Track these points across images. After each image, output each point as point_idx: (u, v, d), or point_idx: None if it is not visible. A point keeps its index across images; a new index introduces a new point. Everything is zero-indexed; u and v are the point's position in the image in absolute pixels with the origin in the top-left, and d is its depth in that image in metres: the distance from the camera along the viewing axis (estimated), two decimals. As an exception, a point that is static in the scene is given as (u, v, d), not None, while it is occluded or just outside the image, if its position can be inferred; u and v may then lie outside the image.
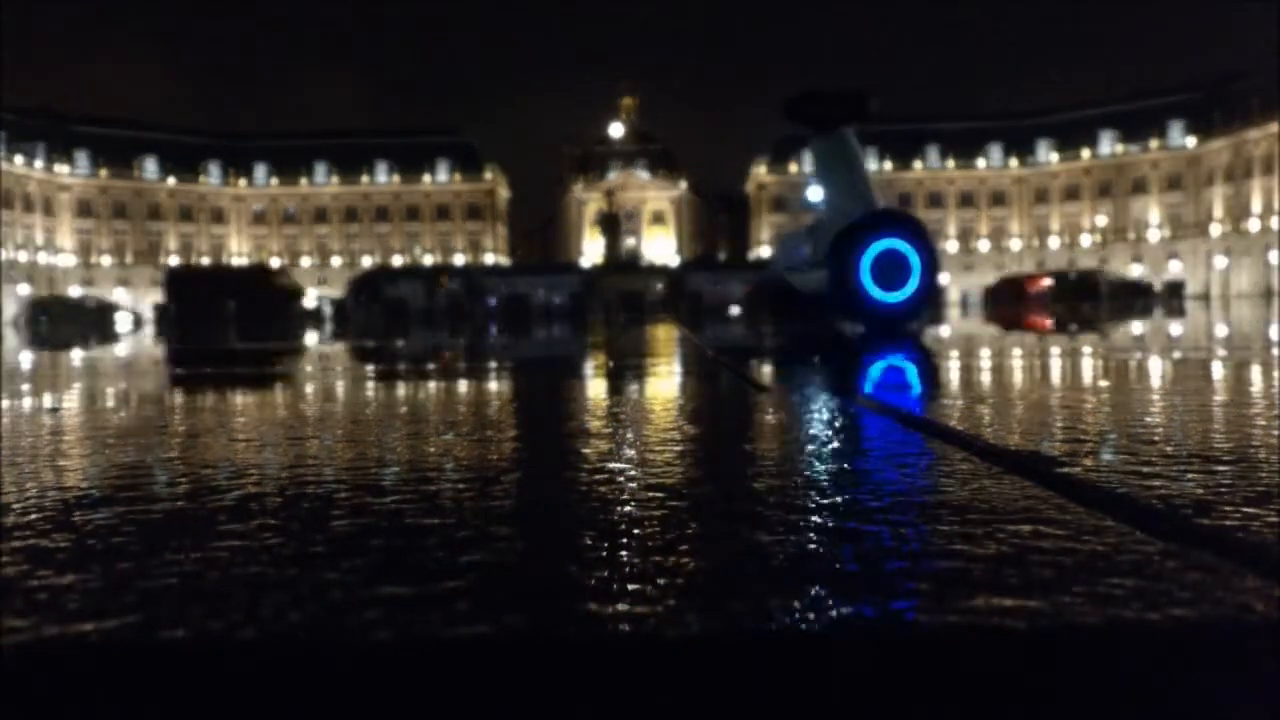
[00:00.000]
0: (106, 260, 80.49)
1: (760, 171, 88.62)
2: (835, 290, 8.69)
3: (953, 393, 3.29)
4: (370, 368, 5.64)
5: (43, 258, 75.74)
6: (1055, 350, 5.94)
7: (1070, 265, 68.65)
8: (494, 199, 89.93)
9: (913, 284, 8.60)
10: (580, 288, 58.80)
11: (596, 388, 3.80)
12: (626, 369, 4.75)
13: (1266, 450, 1.73)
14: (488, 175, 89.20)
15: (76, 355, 8.36)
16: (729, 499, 1.38)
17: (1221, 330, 8.71)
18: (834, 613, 0.86)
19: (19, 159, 73.76)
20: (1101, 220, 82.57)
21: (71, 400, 3.47)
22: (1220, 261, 72.68)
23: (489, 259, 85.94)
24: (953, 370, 4.40)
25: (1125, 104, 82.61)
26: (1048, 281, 46.10)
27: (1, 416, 2.82)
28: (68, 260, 78.34)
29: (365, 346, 8.97)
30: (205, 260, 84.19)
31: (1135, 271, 61.75)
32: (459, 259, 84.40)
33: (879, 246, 8.61)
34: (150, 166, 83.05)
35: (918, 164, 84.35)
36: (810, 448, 1.89)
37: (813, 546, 1.09)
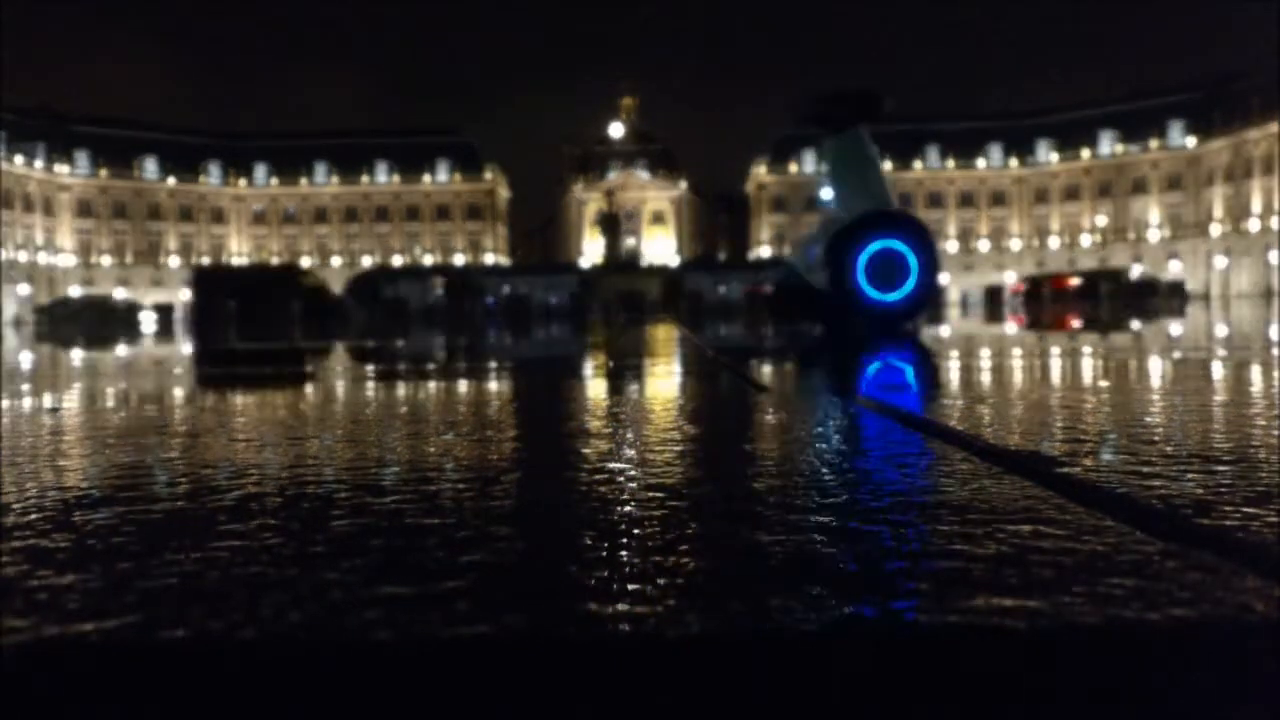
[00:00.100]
0: (106, 260, 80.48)
1: (760, 171, 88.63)
2: (832, 290, 8.70)
3: (954, 392, 3.29)
4: (375, 368, 5.64)
5: (43, 258, 75.74)
6: (1070, 350, 5.94)
7: (1103, 263, 68.52)
8: (494, 199, 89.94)
9: (910, 284, 8.59)
10: (579, 288, 58.79)
11: (595, 388, 3.80)
12: (626, 369, 4.75)
13: (1266, 450, 1.73)
14: (488, 175, 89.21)
15: (112, 355, 8.35)
16: (729, 499, 1.38)
17: (1248, 330, 8.71)
18: (834, 613, 0.86)
19: (19, 159, 73.76)
20: (1101, 220, 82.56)
21: (104, 400, 3.47)
22: (1220, 261, 72.68)
23: (489, 259, 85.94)
24: (958, 370, 4.40)
25: (1125, 104, 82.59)
26: (1075, 280, 45.74)
27: (0, 417, 2.82)
28: (68, 260, 78.34)
29: (371, 347, 8.97)
30: (205, 260, 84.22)
31: (1150, 272, 61.20)
32: (459, 259, 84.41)
33: (875, 246, 8.61)
34: (150, 166, 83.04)
35: (918, 164, 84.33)
36: (810, 448, 1.89)
37: (813, 546, 1.09)
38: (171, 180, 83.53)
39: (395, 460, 1.86)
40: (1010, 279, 76.40)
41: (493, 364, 5.77)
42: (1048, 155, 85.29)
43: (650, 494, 1.42)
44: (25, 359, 7.77)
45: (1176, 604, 0.85)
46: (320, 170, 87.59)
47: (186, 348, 9.83)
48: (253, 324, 23.55)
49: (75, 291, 70.64)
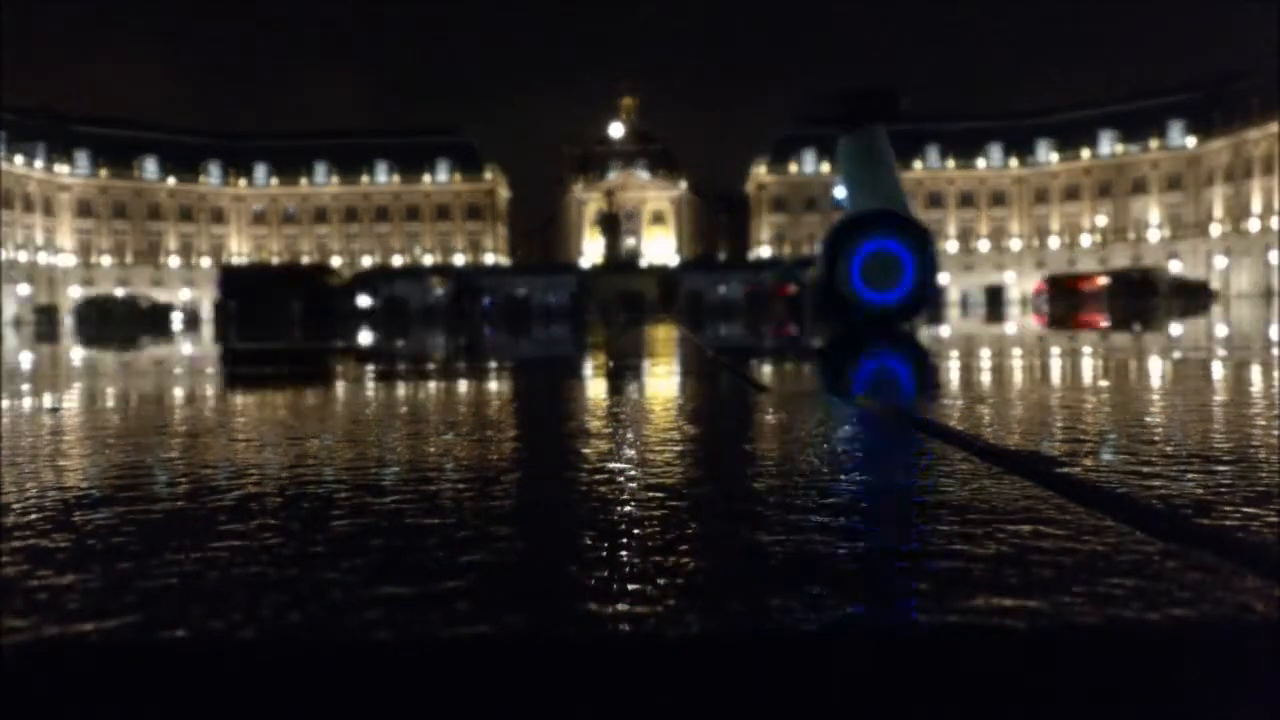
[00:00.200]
0: (106, 260, 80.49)
1: (760, 171, 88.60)
2: (828, 289, 8.70)
3: (956, 393, 3.29)
4: (388, 368, 5.64)
5: (43, 258, 75.74)
6: (1085, 350, 5.94)
7: (1135, 262, 68.40)
8: (494, 199, 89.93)
9: (905, 284, 8.57)
10: (577, 288, 58.79)
11: (595, 388, 3.80)
12: (626, 369, 4.75)
13: (1266, 450, 1.73)
14: (488, 175, 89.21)
15: (147, 355, 8.35)
16: (729, 499, 1.38)
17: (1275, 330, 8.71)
18: (834, 613, 0.86)
19: (19, 159, 73.75)
20: (1101, 220, 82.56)
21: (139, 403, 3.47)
22: (1220, 261, 72.68)
23: (489, 259, 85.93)
24: (963, 371, 4.40)
25: (1125, 104, 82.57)
26: (1104, 280, 45.41)
27: (2, 417, 2.82)
28: (68, 260, 78.34)
29: (388, 348, 8.97)
30: (206, 260, 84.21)
31: (1177, 271, 60.67)
32: (459, 259, 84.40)
33: (870, 246, 8.59)
34: (150, 166, 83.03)
35: (918, 164, 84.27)
36: (810, 448, 1.89)
37: (813, 546, 1.09)
38: (171, 180, 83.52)
39: (395, 460, 1.86)
40: (1010, 278, 76.44)
41: (486, 367, 5.76)
42: (1048, 155, 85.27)
43: (650, 494, 1.42)
44: (72, 358, 7.77)
45: (1176, 604, 0.85)
46: (320, 170, 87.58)
47: (217, 348, 9.83)
48: (282, 324, 23.58)
49: (75, 292, 70.69)
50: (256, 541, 1.16)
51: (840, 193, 9.40)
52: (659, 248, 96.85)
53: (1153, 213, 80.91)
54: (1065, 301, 35.05)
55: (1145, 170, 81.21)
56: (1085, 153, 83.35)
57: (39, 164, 76.03)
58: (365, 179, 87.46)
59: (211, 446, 2.10)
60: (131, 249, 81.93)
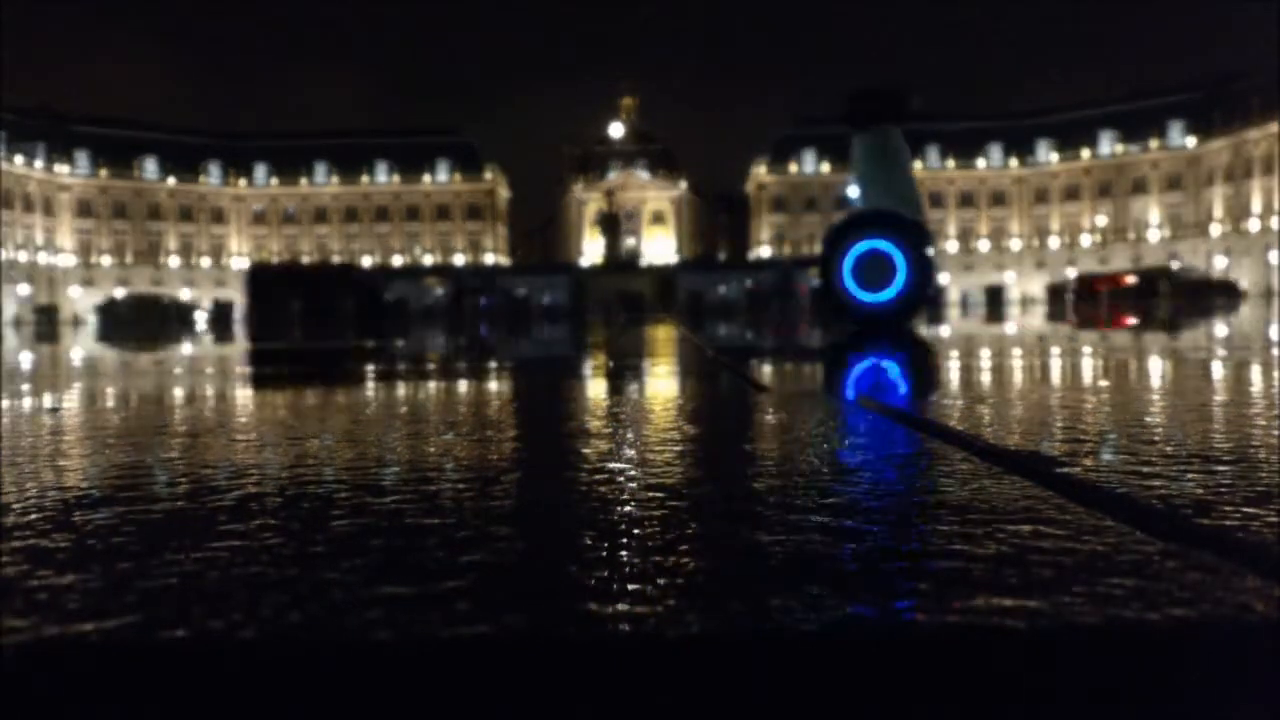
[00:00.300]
0: (106, 260, 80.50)
1: (760, 171, 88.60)
2: (822, 289, 8.72)
3: (957, 393, 3.29)
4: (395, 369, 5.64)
5: (43, 258, 75.74)
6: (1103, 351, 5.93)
7: (1170, 259, 68.18)
8: (494, 199, 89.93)
9: (897, 285, 8.55)
10: (575, 288, 58.78)
11: (595, 388, 3.80)
12: (626, 370, 4.75)
13: (1267, 450, 1.73)
14: (488, 175, 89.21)
15: (175, 354, 8.35)
16: (729, 499, 1.38)
17: None
18: (834, 613, 0.86)
19: (19, 159, 73.76)
20: (1101, 220, 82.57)
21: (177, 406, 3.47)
22: (1220, 261, 72.67)
23: (489, 259, 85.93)
24: (964, 371, 4.40)
25: (1125, 104, 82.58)
26: (1131, 279, 45.19)
27: (2, 417, 2.82)
28: (68, 260, 78.34)
29: (395, 349, 8.97)
30: (206, 261, 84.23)
31: (1208, 270, 60.26)
32: (459, 259, 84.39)
33: (863, 246, 8.59)
34: (150, 166, 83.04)
35: (918, 164, 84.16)
36: (810, 448, 1.89)
37: (813, 546, 1.09)
38: (171, 180, 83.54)
39: (395, 460, 1.86)
40: (1010, 278, 76.39)
41: (475, 369, 5.76)
42: (1048, 155, 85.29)
43: (650, 494, 1.42)
44: (105, 358, 7.77)
45: (1176, 604, 0.85)
46: (320, 170, 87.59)
47: (244, 346, 9.82)
48: (311, 323, 23.59)
49: (75, 292, 70.69)
50: (256, 541, 1.16)
51: (853, 192, 9.39)
52: (659, 248, 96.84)
53: (1153, 213, 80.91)
54: (1091, 301, 34.87)
55: (1145, 170, 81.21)
56: (1085, 153, 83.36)
57: (39, 164, 76.04)
58: (365, 179, 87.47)
59: (237, 444, 2.10)
60: (131, 249, 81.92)
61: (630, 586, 0.94)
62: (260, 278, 41.79)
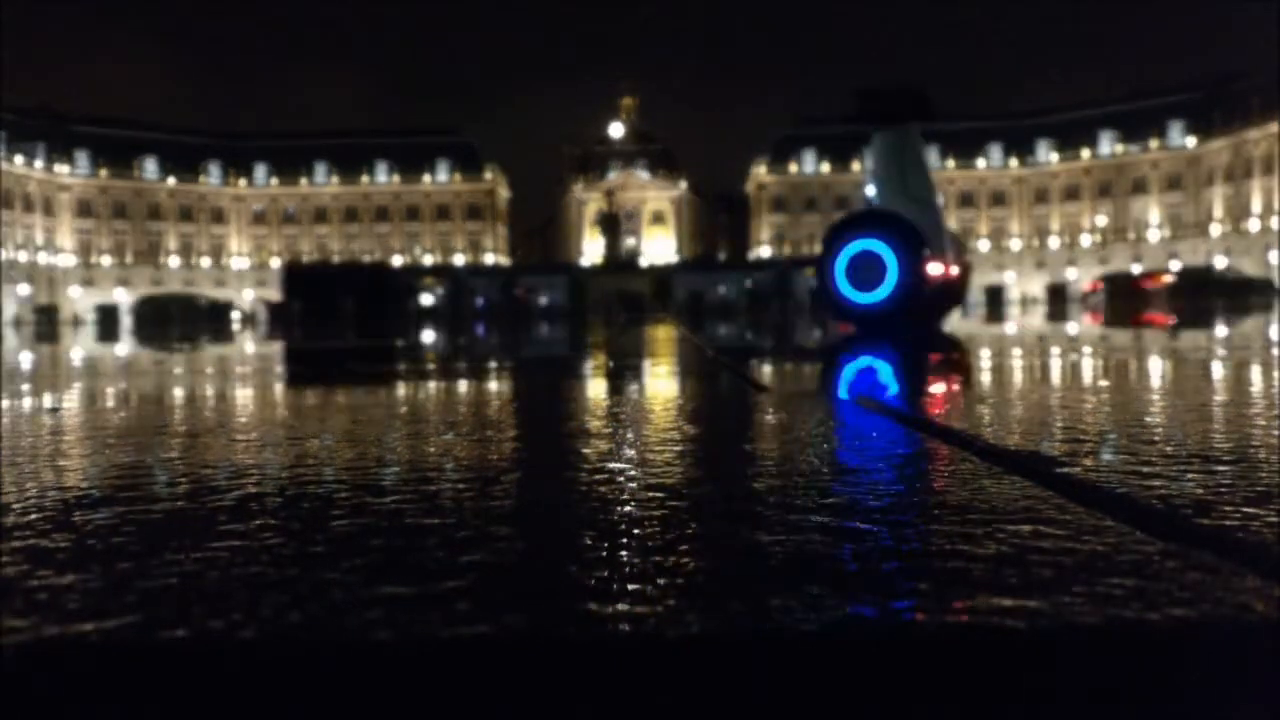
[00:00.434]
0: (106, 260, 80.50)
1: (760, 171, 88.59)
2: (818, 289, 8.74)
3: (957, 393, 3.29)
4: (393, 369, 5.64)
5: (43, 258, 75.73)
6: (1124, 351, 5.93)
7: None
8: (494, 199, 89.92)
9: (888, 285, 8.54)
10: (575, 288, 58.79)
11: (594, 391, 3.80)
12: (625, 370, 4.75)
13: (1267, 450, 1.73)
14: (488, 175, 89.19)
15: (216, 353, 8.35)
16: (729, 499, 1.38)
17: None
18: (834, 613, 0.86)
19: (19, 159, 73.75)
20: (1101, 220, 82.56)
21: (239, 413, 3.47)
22: (1220, 261, 72.65)
23: (489, 259, 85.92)
24: (966, 372, 4.40)
25: (1125, 104, 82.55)
26: (1168, 278, 45.17)
27: (3, 416, 2.82)
28: (68, 260, 78.34)
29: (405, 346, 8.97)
30: (206, 260, 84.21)
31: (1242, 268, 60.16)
32: (459, 259, 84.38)
33: (856, 246, 8.59)
34: (150, 166, 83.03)
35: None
36: (810, 448, 1.89)
37: (813, 546, 1.09)
38: (171, 180, 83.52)
39: (395, 460, 1.86)
40: (1010, 278, 76.37)
41: (487, 366, 5.76)
42: (1048, 155, 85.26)
43: (650, 494, 1.42)
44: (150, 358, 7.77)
45: (1176, 604, 0.85)
46: (320, 170, 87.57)
47: (289, 346, 9.82)
48: (344, 321, 23.58)
49: (75, 292, 70.63)
50: (256, 541, 1.16)
51: (870, 191, 9.40)
52: (659, 248, 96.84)
53: (1153, 213, 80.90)
54: (1136, 300, 34.72)
55: (1145, 170, 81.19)
56: (1085, 153, 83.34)
57: (39, 164, 76.03)
58: (365, 179, 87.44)
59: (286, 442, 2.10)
60: (131, 249, 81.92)
61: (630, 586, 0.94)
62: (297, 277, 41.44)
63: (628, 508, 1.33)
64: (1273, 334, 7.43)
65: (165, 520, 1.32)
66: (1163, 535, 1.10)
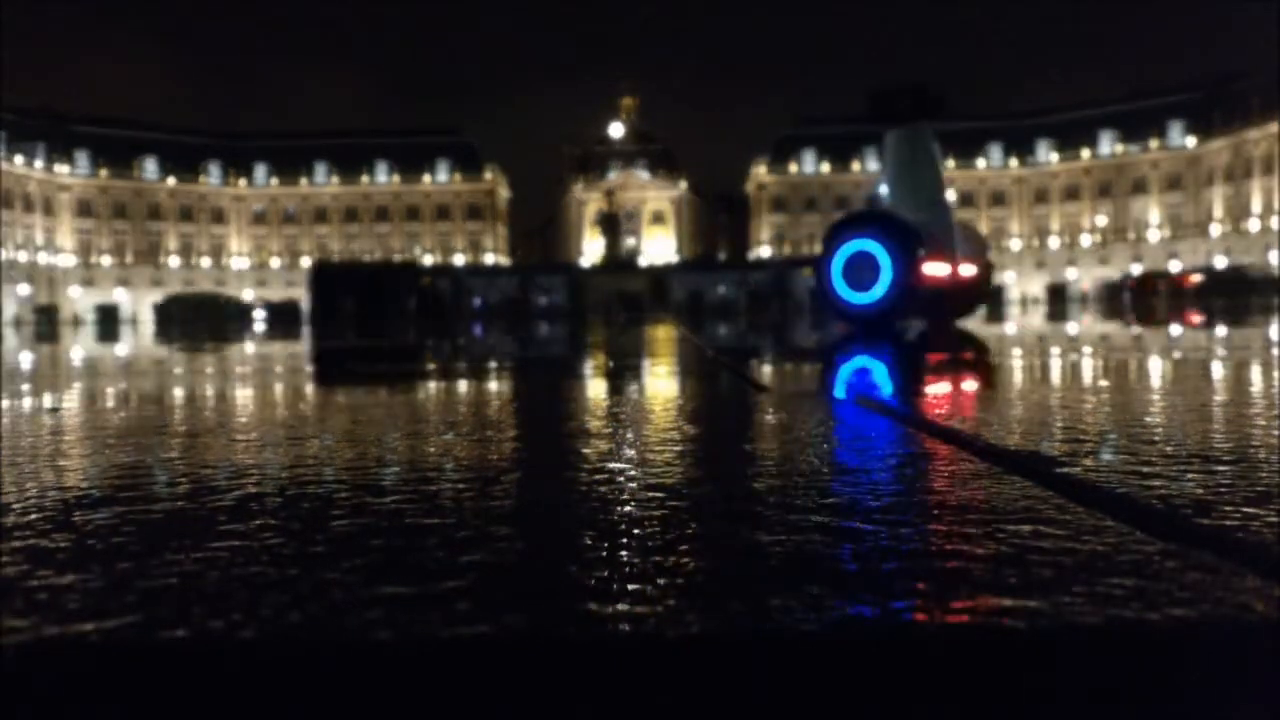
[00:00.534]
0: (106, 260, 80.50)
1: (760, 171, 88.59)
2: (816, 289, 8.76)
3: (958, 393, 3.29)
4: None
5: (43, 258, 75.73)
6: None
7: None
8: (494, 199, 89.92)
9: (882, 286, 8.54)
10: (575, 288, 58.79)
11: (594, 391, 3.80)
12: (625, 370, 4.75)
13: (1267, 450, 1.73)
14: (488, 175, 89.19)
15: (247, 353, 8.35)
16: (729, 499, 1.38)
17: None
18: (834, 613, 0.86)
19: (19, 159, 73.75)
20: (1101, 220, 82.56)
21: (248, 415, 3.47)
22: (1220, 261, 72.64)
23: (489, 259, 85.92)
24: (966, 372, 4.40)
25: (1125, 104, 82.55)
26: (1197, 277, 45.29)
27: (1, 414, 2.82)
28: (68, 260, 78.34)
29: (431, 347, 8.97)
30: (206, 260, 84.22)
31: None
32: (459, 259, 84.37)
33: (852, 247, 8.59)
34: (150, 166, 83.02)
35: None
36: (810, 448, 1.89)
37: (813, 546, 1.09)
38: (171, 180, 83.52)
39: (395, 460, 1.86)
40: (1010, 278, 76.30)
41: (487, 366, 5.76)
42: (1048, 155, 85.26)
43: (650, 494, 1.42)
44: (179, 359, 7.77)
45: (1176, 604, 0.85)
46: (320, 170, 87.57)
47: (317, 345, 9.79)
48: (375, 320, 23.54)
49: (75, 292, 70.62)
50: (257, 541, 1.16)
51: (883, 189, 9.41)
52: (659, 248, 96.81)
53: (1153, 213, 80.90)
54: (1149, 299, 34.82)
55: (1145, 170, 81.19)
56: (1085, 153, 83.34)
57: (39, 164, 76.03)
58: (365, 179, 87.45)
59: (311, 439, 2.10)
60: (131, 249, 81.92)
61: (630, 586, 0.94)
62: (325, 275, 40.88)
63: (628, 508, 1.33)
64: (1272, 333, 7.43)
65: (166, 520, 1.32)
66: (1163, 535, 1.10)
